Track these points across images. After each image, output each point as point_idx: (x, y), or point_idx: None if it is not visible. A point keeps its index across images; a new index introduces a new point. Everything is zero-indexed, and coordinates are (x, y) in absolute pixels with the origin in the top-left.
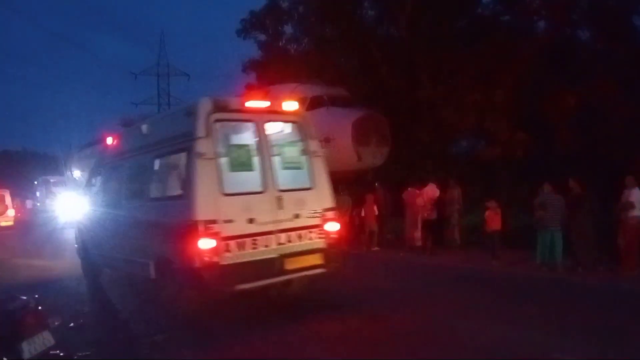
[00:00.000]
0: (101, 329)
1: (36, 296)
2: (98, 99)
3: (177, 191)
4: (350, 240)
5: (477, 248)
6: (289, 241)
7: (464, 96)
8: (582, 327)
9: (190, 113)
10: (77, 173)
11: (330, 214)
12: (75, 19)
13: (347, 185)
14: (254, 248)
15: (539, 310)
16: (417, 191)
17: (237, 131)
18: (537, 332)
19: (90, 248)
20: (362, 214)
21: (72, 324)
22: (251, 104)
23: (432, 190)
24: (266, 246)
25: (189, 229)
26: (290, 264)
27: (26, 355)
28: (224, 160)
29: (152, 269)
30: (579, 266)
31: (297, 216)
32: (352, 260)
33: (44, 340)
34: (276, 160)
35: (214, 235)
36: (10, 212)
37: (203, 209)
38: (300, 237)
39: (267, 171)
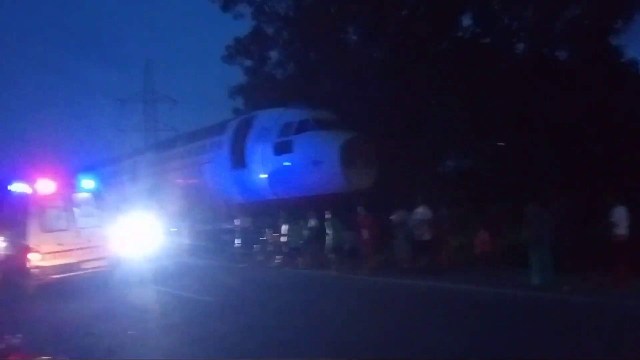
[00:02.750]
0: None
1: (20, 335)
2: (85, 126)
3: (24, 230)
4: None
5: (467, 269)
6: (84, 254)
7: (449, 115)
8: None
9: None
10: None
11: (111, 239)
12: (58, 47)
13: (333, 208)
14: (62, 257)
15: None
16: (407, 212)
17: (54, 200)
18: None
19: None
20: (365, 236)
21: None
22: (62, 186)
23: (424, 211)
24: (70, 257)
25: (27, 249)
26: (85, 265)
27: None
28: (46, 215)
29: (19, 270)
30: (565, 284)
31: (89, 241)
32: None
33: None
34: (77, 212)
35: (37, 251)
36: None
37: (32, 239)
38: (92, 252)
39: (70, 219)
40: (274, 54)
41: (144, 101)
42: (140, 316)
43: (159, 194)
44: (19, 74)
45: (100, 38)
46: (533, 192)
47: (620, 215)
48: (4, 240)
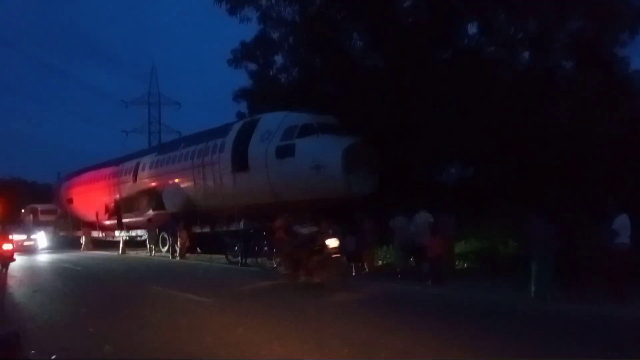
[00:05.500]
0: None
1: (12, 329)
2: (90, 128)
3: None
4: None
5: (474, 274)
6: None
7: (450, 124)
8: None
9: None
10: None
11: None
12: (64, 50)
13: (334, 214)
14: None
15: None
16: (408, 219)
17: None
18: None
19: None
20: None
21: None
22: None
23: (426, 215)
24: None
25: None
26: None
27: None
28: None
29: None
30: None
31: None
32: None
33: None
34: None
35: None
36: None
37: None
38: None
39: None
40: (278, 59)
41: (149, 103)
42: None
43: (162, 195)
44: (26, 78)
45: (106, 43)
46: (535, 201)
47: (622, 224)
48: None
